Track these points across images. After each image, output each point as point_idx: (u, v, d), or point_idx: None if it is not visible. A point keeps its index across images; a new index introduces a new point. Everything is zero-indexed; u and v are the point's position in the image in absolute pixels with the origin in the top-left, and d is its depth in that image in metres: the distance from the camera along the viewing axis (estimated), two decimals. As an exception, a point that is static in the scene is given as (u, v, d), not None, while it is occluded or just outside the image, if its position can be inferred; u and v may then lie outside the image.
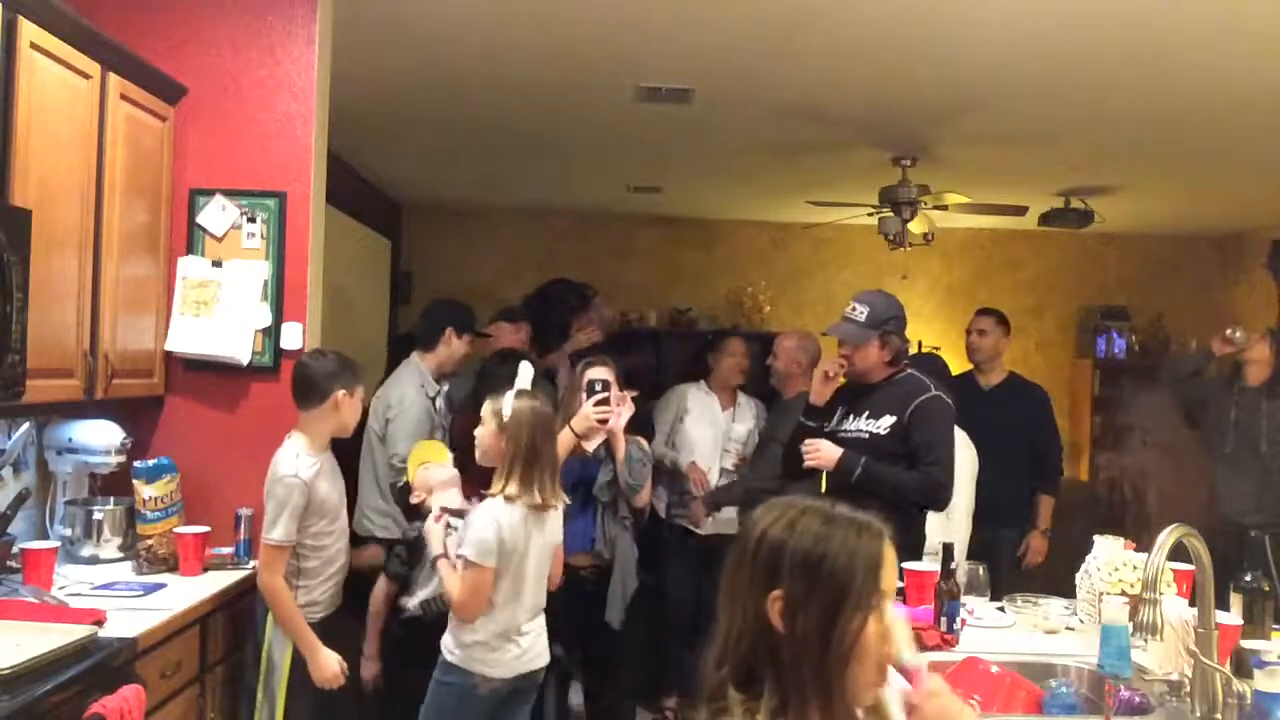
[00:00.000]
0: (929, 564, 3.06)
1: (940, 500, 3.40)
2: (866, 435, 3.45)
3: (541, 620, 3.09)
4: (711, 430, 5.05)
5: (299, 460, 3.00)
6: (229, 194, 3.46)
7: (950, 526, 3.97)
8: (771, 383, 5.07)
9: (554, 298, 5.56)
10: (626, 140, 5.50)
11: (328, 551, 3.11)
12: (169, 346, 3.41)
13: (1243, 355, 4.73)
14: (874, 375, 3.49)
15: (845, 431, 3.50)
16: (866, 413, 3.48)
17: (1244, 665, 2.11)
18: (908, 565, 3.09)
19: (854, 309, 3.46)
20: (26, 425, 3.05)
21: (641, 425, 4.33)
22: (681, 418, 5.11)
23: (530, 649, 3.01)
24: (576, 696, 4.25)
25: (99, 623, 2.48)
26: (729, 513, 4.97)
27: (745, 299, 7.94)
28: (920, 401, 3.40)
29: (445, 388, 4.18)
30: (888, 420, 3.42)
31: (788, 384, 4.94)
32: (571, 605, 3.76)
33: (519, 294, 6.01)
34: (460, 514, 3.18)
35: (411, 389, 3.99)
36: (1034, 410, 4.99)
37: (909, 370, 3.53)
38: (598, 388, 3.65)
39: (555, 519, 3.05)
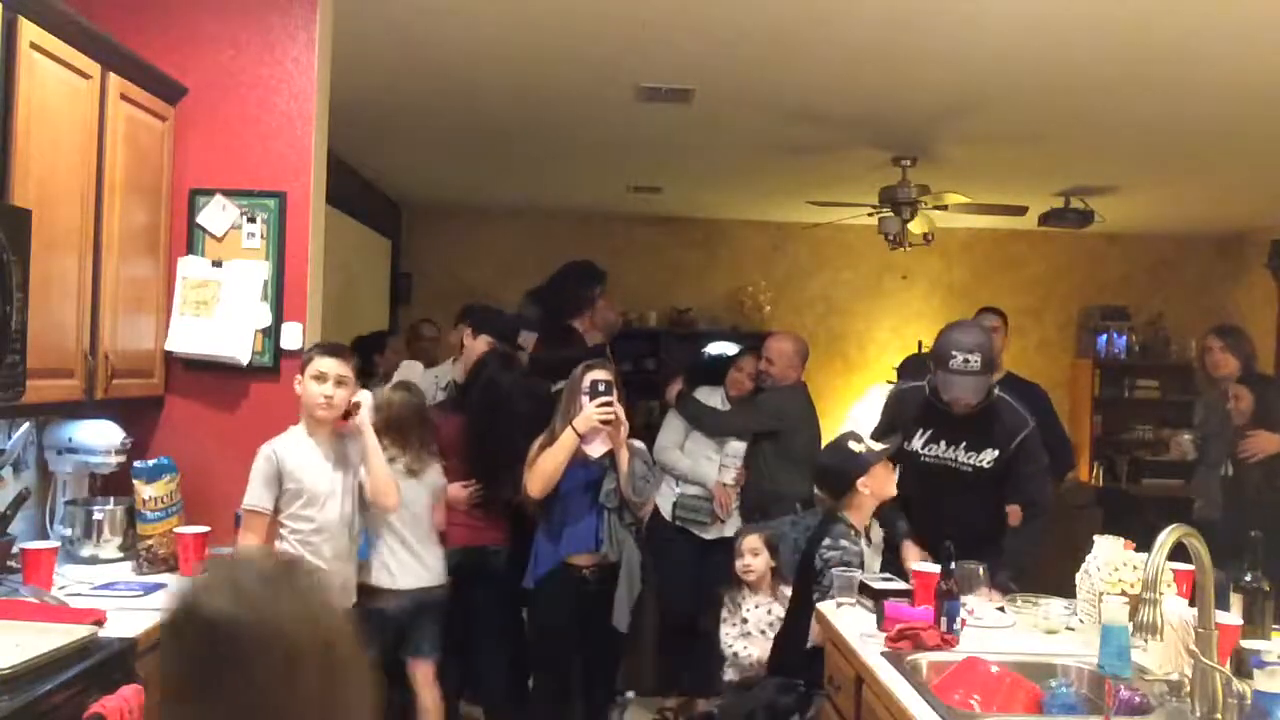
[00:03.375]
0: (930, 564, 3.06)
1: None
2: (970, 469, 3.51)
3: (422, 554, 3.77)
4: (713, 442, 5.05)
5: (281, 435, 3.16)
6: (229, 194, 3.46)
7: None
8: (765, 386, 5.08)
9: (572, 279, 5.44)
10: (626, 140, 5.50)
11: (303, 537, 3.13)
12: (169, 346, 3.41)
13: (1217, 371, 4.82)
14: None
15: (942, 460, 3.53)
16: (964, 443, 3.51)
17: (1244, 665, 2.11)
18: (914, 566, 3.10)
19: (967, 361, 3.36)
20: (26, 425, 3.05)
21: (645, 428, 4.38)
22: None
23: (415, 569, 3.73)
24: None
25: (99, 623, 2.48)
26: (732, 516, 4.98)
27: (745, 299, 7.94)
28: (1026, 435, 3.50)
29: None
30: (990, 454, 3.50)
31: (777, 383, 4.99)
32: (573, 605, 3.78)
33: (519, 294, 5.99)
34: None
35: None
36: (1034, 409, 4.99)
37: (998, 395, 3.54)
38: (600, 388, 3.67)
39: (428, 479, 3.82)
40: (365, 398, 3.21)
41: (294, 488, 3.12)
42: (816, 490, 3.74)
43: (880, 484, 3.43)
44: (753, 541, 4.10)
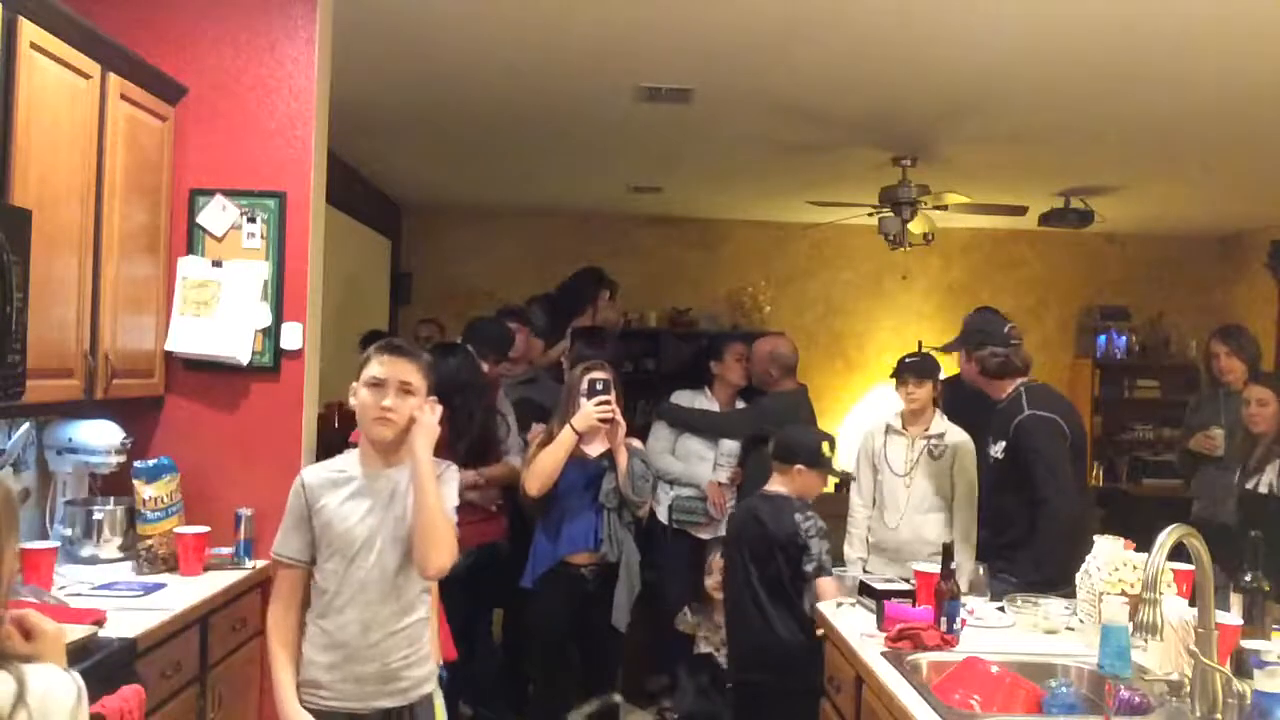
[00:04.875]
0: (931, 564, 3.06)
1: (1062, 519, 3.43)
2: (993, 461, 3.65)
3: None
4: (707, 442, 5.04)
5: (328, 460, 2.56)
6: (229, 194, 3.46)
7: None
8: (765, 390, 5.08)
9: (580, 279, 5.49)
10: (626, 140, 5.50)
11: (326, 603, 2.43)
12: (169, 346, 3.41)
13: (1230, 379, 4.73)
14: (990, 393, 3.70)
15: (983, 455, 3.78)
16: (990, 437, 3.67)
17: (1244, 665, 2.11)
18: (916, 566, 3.10)
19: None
20: (26, 425, 3.05)
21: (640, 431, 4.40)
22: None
23: None
24: None
25: (99, 623, 2.48)
26: (728, 514, 4.98)
27: (745, 299, 7.95)
28: (1019, 421, 3.53)
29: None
30: (1001, 445, 3.58)
31: (767, 388, 4.98)
32: (572, 604, 3.79)
33: (519, 294, 6.01)
34: None
35: None
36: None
37: (1021, 388, 3.64)
38: (599, 386, 3.70)
39: None
40: (431, 414, 2.42)
41: (320, 530, 2.44)
42: (778, 452, 3.71)
43: (809, 483, 3.61)
44: (722, 560, 4.11)
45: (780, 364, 4.97)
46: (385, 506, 2.43)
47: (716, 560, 4.15)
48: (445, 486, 2.45)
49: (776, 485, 3.64)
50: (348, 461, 2.50)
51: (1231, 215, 7.32)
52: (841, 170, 5.94)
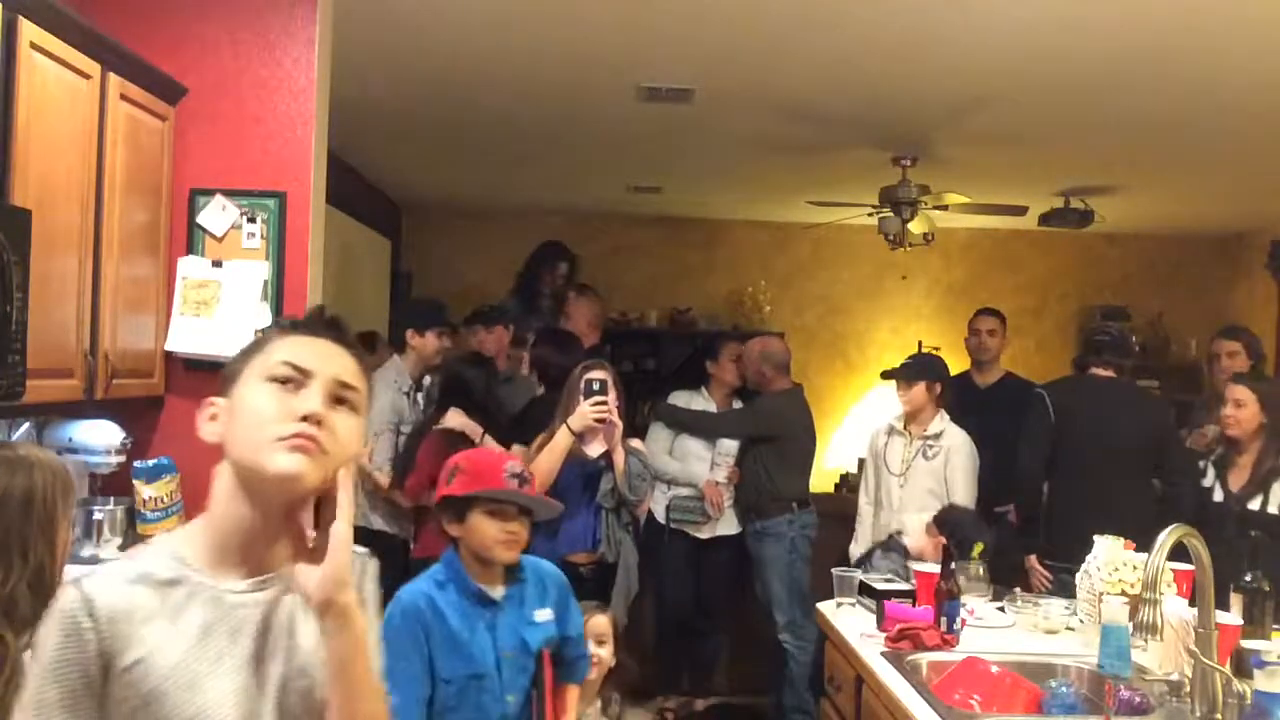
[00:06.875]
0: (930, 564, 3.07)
1: (1019, 471, 4.16)
2: None
3: None
4: (704, 441, 5.04)
5: (123, 565, 1.32)
6: (229, 194, 3.46)
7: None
8: (761, 390, 5.09)
9: (536, 254, 5.58)
10: (626, 140, 5.50)
11: None
12: (169, 346, 3.41)
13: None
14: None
15: None
16: None
17: (1244, 665, 2.11)
18: (915, 566, 3.11)
19: None
20: (26, 425, 3.05)
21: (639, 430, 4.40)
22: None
23: None
24: None
25: (99, 623, 2.47)
26: (728, 515, 4.99)
27: (745, 299, 7.94)
28: None
29: (427, 382, 4.49)
30: None
31: (761, 388, 4.99)
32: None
33: (519, 294, 6.02)
34: None
35: (382, 385, 4.27)
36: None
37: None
38: (595, 386, 3.69)
39: None
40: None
41: (132, 699, 1.21)
42: (941, 515, 3.62)
43: (934, 555, 3.48)
44: (600, 625, 3.04)
45: (772, 363, 4.96)
46: (261, 652, 1.27)
47: (593, 625, 2.97)
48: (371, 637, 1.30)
49: (914, 538, 3.69)
50: (167, 560, 1.28)
51: (1231, 215, 7.31)
52: (841, 170, 5.94)
